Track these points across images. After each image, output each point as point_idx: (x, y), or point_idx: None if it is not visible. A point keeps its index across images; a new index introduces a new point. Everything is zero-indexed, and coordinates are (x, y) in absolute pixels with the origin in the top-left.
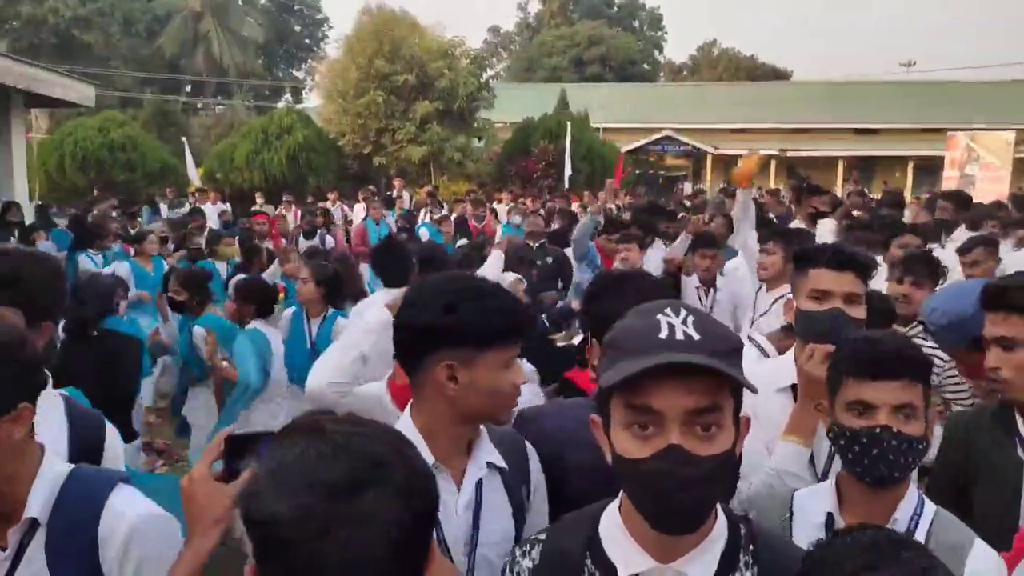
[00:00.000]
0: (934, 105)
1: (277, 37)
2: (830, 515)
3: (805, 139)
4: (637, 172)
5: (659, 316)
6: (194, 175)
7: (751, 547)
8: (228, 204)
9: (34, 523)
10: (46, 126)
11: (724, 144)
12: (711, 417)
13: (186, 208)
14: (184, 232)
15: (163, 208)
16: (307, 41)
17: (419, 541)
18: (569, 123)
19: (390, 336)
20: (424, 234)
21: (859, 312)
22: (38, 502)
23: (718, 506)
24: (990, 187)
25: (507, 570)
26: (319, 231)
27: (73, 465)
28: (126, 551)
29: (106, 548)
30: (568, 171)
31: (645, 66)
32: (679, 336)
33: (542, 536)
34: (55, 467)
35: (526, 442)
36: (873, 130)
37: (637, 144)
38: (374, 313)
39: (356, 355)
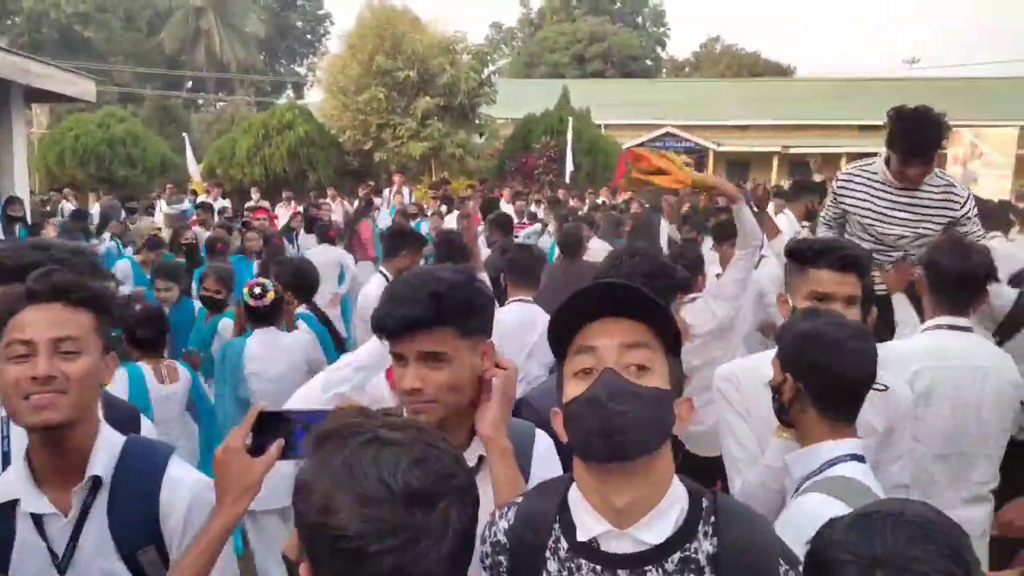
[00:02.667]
0: (937, 102)
1: (278, 32)
2: None
3: (808, 136)
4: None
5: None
6: (195, 171)
7: (712, 518)
8: (228, 200)
9: (97, 483)
10: (47, 122)
11: (727, 141)
12: (642, 354)
13: (185, 204)
14: (177, 228)
15: (161, 203)
16: (309, 36)
17: (472, 544)
18: (571, 119)
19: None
20: (424, 229)
21: (855, 313)
22: (101, 462)
23: (676, 477)
24: (994, 184)
25: (486, 530)
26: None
27: (123, 435)
28: (188, 518)
29: (169, 515)
30: (570, 167)
31: (648, 62)
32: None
33: (519, 499)
34: (111, 432)
35: (536, 433)
36: (876, 127)
37: (639, 140)
38: (367, 348)
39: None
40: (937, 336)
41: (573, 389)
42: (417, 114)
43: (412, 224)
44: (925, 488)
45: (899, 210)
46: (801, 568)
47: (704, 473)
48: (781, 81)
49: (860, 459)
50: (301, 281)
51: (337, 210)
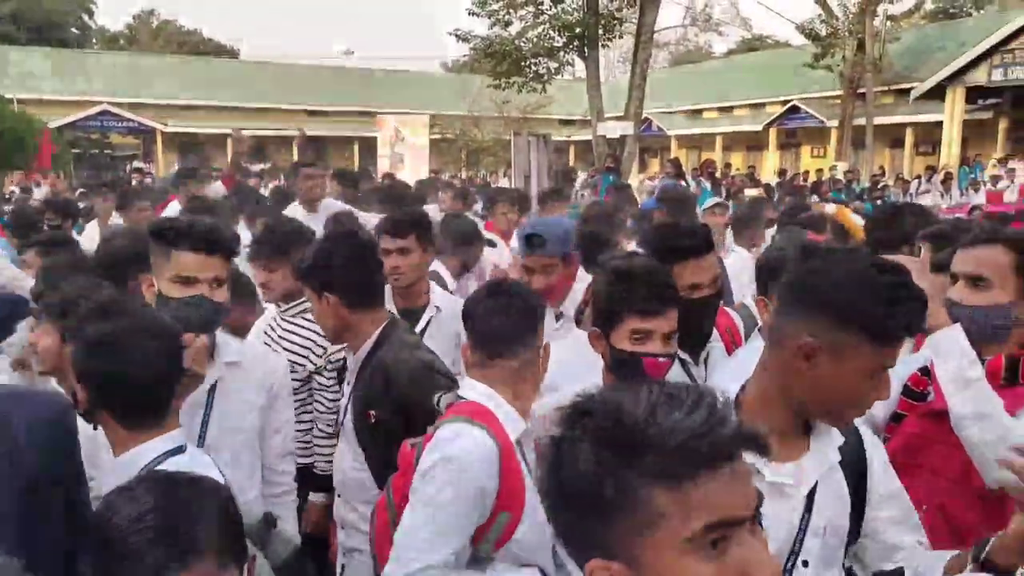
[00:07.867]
0: (370, 90)
1: None
2: None
3: (261, 118)
4: (75, 151)
5: None
6: None
7: None
8: None
9: None
10: None
11: (177, 121)
12: None
13: None
14: None
15: None
16: None
17: None
18: None
19: None
20: None
21: (222, 295)
22: None
23: None
24: (414, 164)
25: None
26: None
27: None
28: None
29: None
30: None
31: (74, 31)
32: None
33: None
34: None
35: None
36: (323, 112)
37: (71, 119)
38: None
39: None
40: None
41: None
42: None
43: None
44: None
45: None
46: None
47: None
48: (231, 62)
49: (181, 449)
50: None
51: None
